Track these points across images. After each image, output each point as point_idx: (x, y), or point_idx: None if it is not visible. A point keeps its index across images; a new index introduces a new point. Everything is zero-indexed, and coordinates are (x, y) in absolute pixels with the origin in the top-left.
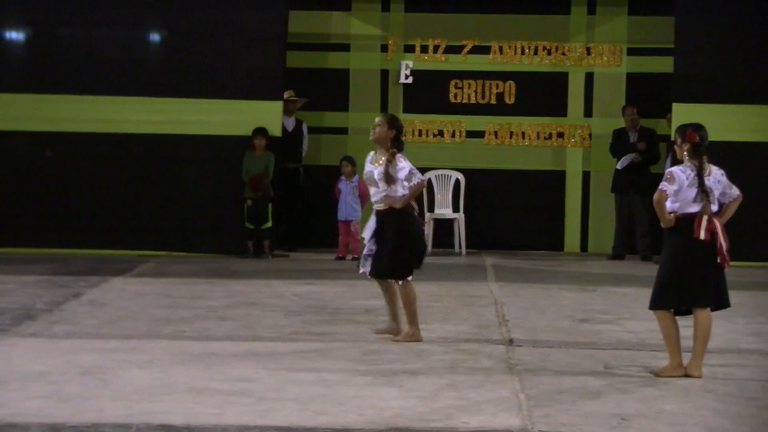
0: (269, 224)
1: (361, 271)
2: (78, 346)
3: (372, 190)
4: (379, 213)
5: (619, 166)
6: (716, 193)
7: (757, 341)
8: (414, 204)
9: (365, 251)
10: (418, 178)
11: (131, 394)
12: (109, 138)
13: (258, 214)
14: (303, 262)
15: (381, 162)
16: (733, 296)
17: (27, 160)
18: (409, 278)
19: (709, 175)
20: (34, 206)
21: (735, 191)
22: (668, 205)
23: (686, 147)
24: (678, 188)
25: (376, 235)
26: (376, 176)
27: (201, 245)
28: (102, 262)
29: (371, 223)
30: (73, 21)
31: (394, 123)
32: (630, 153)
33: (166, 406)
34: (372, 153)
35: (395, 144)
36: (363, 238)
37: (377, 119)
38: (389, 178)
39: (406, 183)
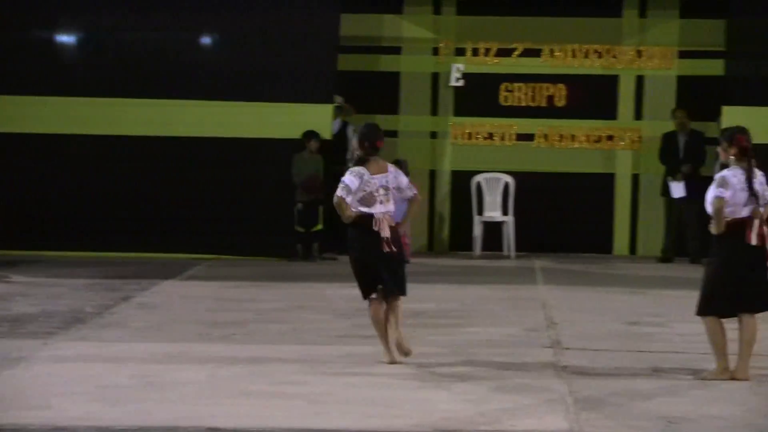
0: (319, 227)
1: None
2: (127, 350)
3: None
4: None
5: (674, 195)
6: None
7: None
8: None
9: None
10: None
11: (179, 397)
12: (158, 141)
13: (309, 217)
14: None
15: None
16: None
17: (79, 163)
18: None
19: (755, 177)
20: (86, 209)
21: None
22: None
23: (733, 151)
24: (731, 193)
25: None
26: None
27: (250, 248)
28: (152, 266)
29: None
30: (128, 25)
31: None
32: (676, 180)
33: (215, 409)
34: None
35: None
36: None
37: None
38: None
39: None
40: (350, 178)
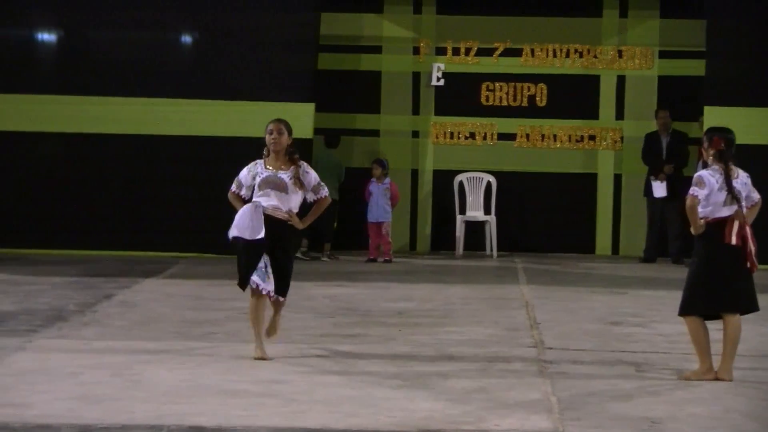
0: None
1: (267, 291)
2: (109, 348)
3: (273, 194)
4: (277, 222)
5: (656, 195)
6: (743, 195)
7: None
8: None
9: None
10: (325, 191)
11: (161, 395)
12: (139, 139)
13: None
14: (334, 263)
15: (283, 168)
16: (763, 300)
17: (58, 161)
18: None
19: (737, 177)
20: (66, 207)
21: (756, 196)
22: (699, 210)
23: (712, 151)
24: (708, 192)
25: (270, 244)
26: (288, 181)
27: (231, 246)
28: (132, 264)
29: (257, 225)
30: (103, 23)
31: (291, 130)
32: (659, 180)
33: (197, 407)
34: (259, 161)
35: (292, 151)
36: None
37: (273, 126)
38: (301, 184)
39: (311, 194)
40: None
